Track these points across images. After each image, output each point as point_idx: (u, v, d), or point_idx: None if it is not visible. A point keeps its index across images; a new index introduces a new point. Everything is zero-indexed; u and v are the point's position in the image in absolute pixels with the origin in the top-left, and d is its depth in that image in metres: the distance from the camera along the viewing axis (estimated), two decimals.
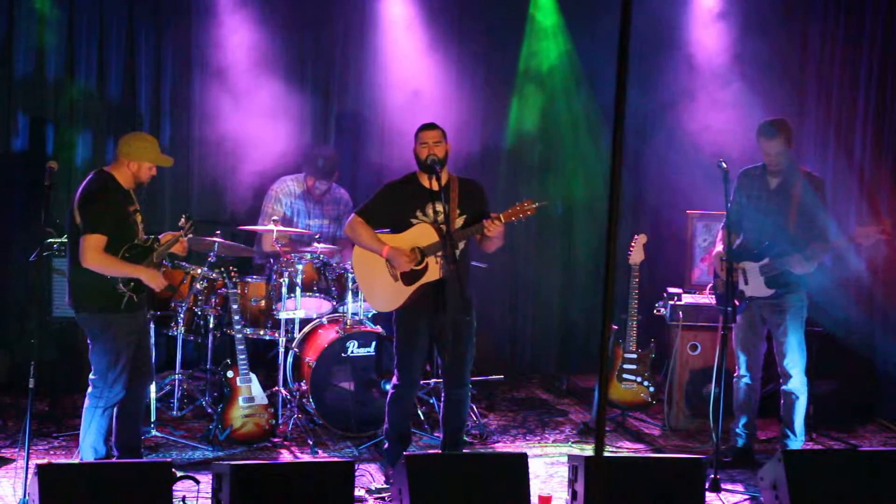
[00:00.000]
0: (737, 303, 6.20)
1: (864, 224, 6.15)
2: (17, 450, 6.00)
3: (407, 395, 6.01)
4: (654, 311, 7.30)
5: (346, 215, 7.14)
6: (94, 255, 5.55)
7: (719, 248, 6.43)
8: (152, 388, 6.45)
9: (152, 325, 6.69)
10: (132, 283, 5.66)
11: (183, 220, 5.87)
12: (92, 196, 5.64)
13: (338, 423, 6.68)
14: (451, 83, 8.51)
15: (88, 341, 5.75)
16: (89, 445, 5.78)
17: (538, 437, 7.04)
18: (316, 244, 7.02)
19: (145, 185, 5.84)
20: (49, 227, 6.60)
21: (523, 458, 5.26)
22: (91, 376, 5.73)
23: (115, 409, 5.80)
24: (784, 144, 6.24)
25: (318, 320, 7.00)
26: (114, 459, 5.80)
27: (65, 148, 7.83)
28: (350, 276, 6.77)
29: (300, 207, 7.62)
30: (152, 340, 6.24)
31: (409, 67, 8.39)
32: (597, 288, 9.04)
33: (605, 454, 6.21)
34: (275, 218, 7.20)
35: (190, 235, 5.91)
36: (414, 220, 5.89)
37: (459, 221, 5.88)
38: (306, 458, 6.37)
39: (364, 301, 6.81)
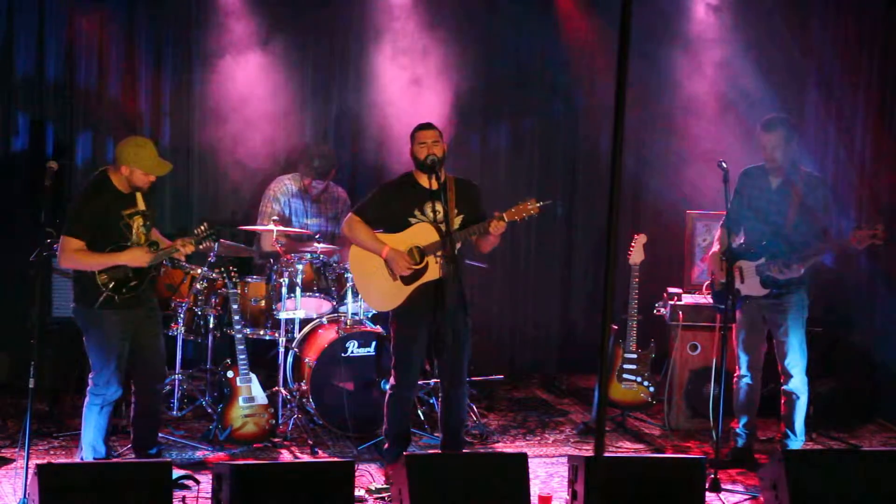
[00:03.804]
0: (732, 301, 6.19)
1: (861, 228, 6.14)
2: (17, 450, 6.00)
3: (405, 396, 6.01)
4: (654, 311, 7.29)
5: (344, 214, 7.14)
6: (67, 255, 5.64)
7: (716, 247, 6.43)
8: None
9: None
10: (112, 284, 5.65)
11: (203, 227, 5.87)
12: (77, 196, 5.76)
13: (338, 423, 6.68)
14: (451, 83, 8.50)
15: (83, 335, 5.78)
16: (88, 444, 5.80)
17: (538, 437, 7.04)
18: (316, 244, 7.01)
19: (144, 190, 5.79)
20: (49, 227, 6.59)
21: (523, 458, 5.25)
22: (90, 374, 5.75)
23: (131, 409, 5.86)
24: (781, 138, 6.23)
25: (318, 320, 7.00)
26: (113, 459, 5.81)
27: (65, 148, 7.83)
28: (350, 275, 6.76)
29: (298, 206, 7.61)
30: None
31: (409, 67, 8.38)
32: (597, 288, 9.04)
33: (605, 454, 6.20)
34: (274, 218, 7.21)
35: (206, 244, 5.90)
36: (412, 220, 5.89)
37: (457, 221, 5.88)
38: (306, 458, 6.37)
39: (362, 300, 6.80)
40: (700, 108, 8.39)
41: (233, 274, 6.52)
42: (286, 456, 6.45)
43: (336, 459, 6.26)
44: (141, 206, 5.80)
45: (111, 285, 5.65)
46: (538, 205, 5.78)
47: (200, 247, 5.92)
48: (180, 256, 5.89)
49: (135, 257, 5.67)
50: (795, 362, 6.30)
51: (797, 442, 6.35)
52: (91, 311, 5.69)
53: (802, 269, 6.20)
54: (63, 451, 6.34)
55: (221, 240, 6.81)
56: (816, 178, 6.43)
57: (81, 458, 5.86)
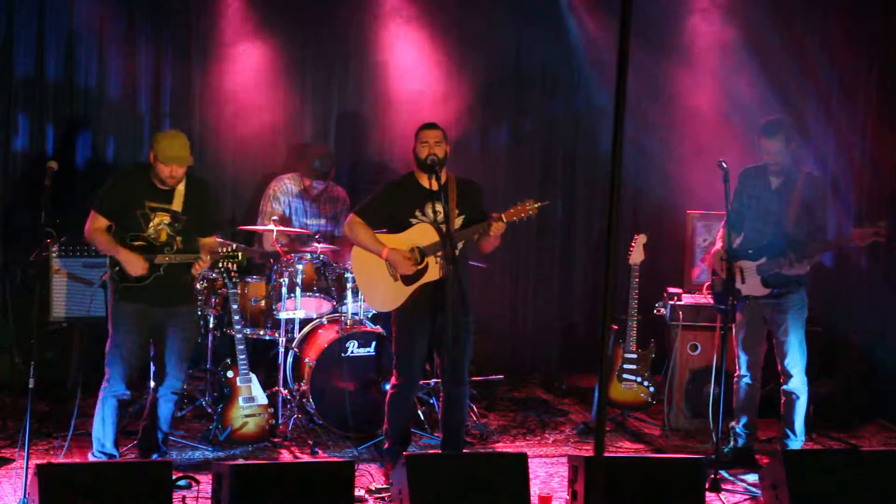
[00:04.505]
0: (733, 301, 6.19)
1: (862, 225, 6.15)
2: (17, 450, 6.00)
3: (406, 395, 6.01)
4: (654, 311, 7.30)
5: (344, 214, 7.14)
6: (88, 229, 5.82)
7: (718, 245, 6.43)
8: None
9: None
10: (116, 267, 5.74)
11: (230, 248, 5.88)
12: (111, 177, 6.01)
13: (338, 423, 6.68)
14: (451, 82, 8.51)
15: None
16: (95, 434, 5.88)
17: (538, 437, 7.04)
18: (316, 244, 7.01)
19: (170, 185, 5.79)
20: (49, 227, 6.59)
21: (523, 458, 5.25)
22: None
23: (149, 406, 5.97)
24: (784, 143, 6.24)
25: (318, 320, 7.00)
26: (117, 459, 5.82)
27: (65, 148, 7.83)
28: (350, 275, 6.77)
29: (298, 206, 7.61)
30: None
31: (409, 67, 8.39)
32: (597, 288, 9.04)
33: (605, 454, 6.20)
34: (274, 217, 7.21)
35: (225, 265, 5.91)
36: (413, 220, 5.89)
37: (458, 221, 5.88)
38: (306, 458, 6.37)
39: (364, 301, 6.80)
40: (700, 109, 8.39)
41: (233, 274, 6.51)
42: (286, 456, 6.45)
43: (336, 459, 6.26)
44: (175, 205, 5.81)
45: (115, 269, 5.76)
46: (536, 205, 5.79)
47: (219, 265, 5.92)
48: (195, 270, 5.85)
49: (130, 261, 5.70)
50: (795, 362, 6.30)
51: (797, 442, 6.34)
52: (113, 297, 5.81)
53: (808, 267, 6.21)
54: (63, 451, 6.32)
55: (222, 240, 6.79)
56: (817, 177, 6.43)
57: (92, 452, 5.92)
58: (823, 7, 8.24)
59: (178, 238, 5.80)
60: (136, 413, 6.46)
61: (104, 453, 5.86)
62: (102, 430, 5.86)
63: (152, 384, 6.18)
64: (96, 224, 5.77)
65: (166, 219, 5.78)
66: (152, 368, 6.22)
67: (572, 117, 8.89)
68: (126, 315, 5.78)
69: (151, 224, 5.75)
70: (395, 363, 5.97)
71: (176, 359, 5.91)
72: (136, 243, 5.74)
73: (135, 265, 5.69)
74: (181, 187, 5.83)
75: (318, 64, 8.41)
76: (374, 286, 5.98)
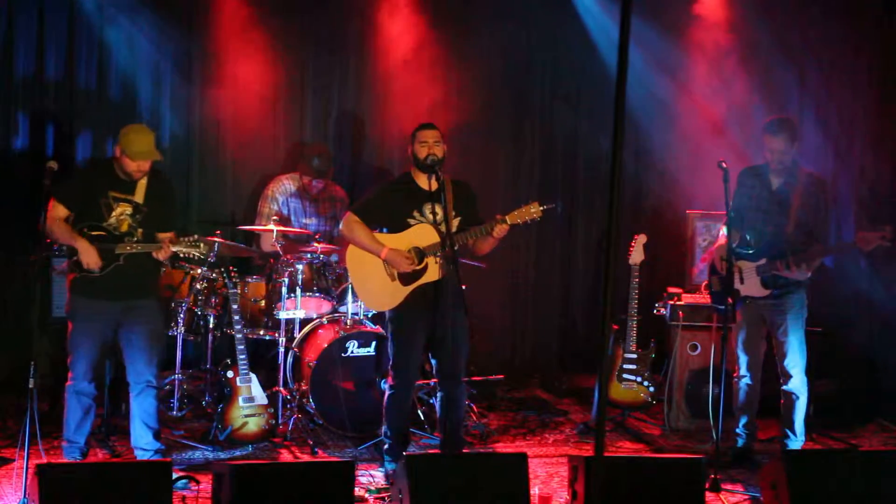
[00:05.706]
0: (731, 301, 6.19)
1: (867, 229, 6.14)
2: (17, 450, 6.00)
3: (404, 396, 6.00)
4: (654, 311, 7.30)
5: (342, 214, 7.14)
6: (48, 219, 5.71)
7: (722, 241, 6.41)
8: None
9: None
10: (74, 258, 5.76)
11: (194, 237, 5.84)
12: (75, 168, 5.98)
13: (338, 423, 6.68)
14: (452, 82, 8.50)
15: None
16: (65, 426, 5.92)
17: (538, 437, 7.04)
18: (316, 244, 7.01)
19: (135, 179, 5.79)
20: None
21: (523, 458, 5.25)
22: None
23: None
24: (787, 142, 6.23)
25: (318, 320, 7.00)
26: (113, 459, 5.82)
27: (65, 148, 7.83)
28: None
29: (296, 206, 7.61)
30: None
31: (410, 67, 8.39)
32: (597, 288, 9.04)
33: (605, 454, 6.20)
34: (274, 217, 7.21)
35: (188, 254, 5.83)
36: (412, 221, 5.88)
37: (455, 223, 5.88)
38: (306, 458, 6.37)
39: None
40: (700, 109, 8.39)
41: (233, 274, 6.51)
42: (286, 456, 6.45)
43: (336, 459, 6.27)
44: (138, 198, 5.81)
45: (73, 258, 5.78)
46: (541, 208, 5.77)
47: (181, 254, 5.84)
48: (158, 257, 5.81)
49: (87, 251, 5.70)
50: (795, 362, 6.30)
51: (797, 442, 6.35)
52: (72, 293, 5.82)
53: (809, 273, 6.20)
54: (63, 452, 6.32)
55: (222, 240, 6.79)
56: (817, 178, 6.42)
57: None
58: (822, 9, 8.24)
59: (140, 230, 5.81)
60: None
61: (66, 440, 5.92)
62: (67, 420, 5.93)
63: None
64: (55, 213, 5.75)
65: (128, 209, 5.79)
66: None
67: (573, 116, 8.89)
68: (81, 311, 5.81)
69: (113, 214, 5.77)
70: (392, 364, 5.96)
71: (142, 352, 5.87)
72: (96, 233, 5.74)
73: (90, 256, 5.69)
74: (143, 180, 5.85)
75: (319, 64, 8.42)
76: (370, 285, 5.96)
